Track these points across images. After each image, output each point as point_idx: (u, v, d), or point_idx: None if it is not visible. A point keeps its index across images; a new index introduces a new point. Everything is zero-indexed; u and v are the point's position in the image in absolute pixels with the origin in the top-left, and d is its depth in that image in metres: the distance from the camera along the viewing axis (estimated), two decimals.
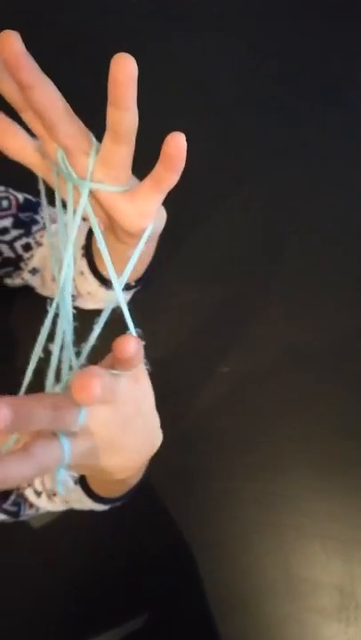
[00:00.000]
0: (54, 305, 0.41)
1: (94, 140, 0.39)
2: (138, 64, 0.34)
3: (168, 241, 0.56)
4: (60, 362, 0.41)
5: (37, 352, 0.39)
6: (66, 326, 0.41)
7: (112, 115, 0.36)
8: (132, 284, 0.61)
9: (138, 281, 0.61)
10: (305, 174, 0.92)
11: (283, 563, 0.74)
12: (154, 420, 0.46)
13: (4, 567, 0.73)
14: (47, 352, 0.41)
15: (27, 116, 0.39)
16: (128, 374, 0.40)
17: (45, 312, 0.43)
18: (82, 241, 0.59)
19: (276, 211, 0.89)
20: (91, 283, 0.60)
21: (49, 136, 0.39)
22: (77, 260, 0.63)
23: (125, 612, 0.73)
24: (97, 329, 0.40)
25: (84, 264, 0.60)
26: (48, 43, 0.95)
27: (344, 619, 0.72)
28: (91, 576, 0.74)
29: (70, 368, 0.41)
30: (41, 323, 0.41)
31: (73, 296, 0.67)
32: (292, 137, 0.94)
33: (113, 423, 0.39)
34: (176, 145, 0.36)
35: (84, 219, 0.43)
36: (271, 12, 1.02)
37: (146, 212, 0.42)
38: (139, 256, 0.54)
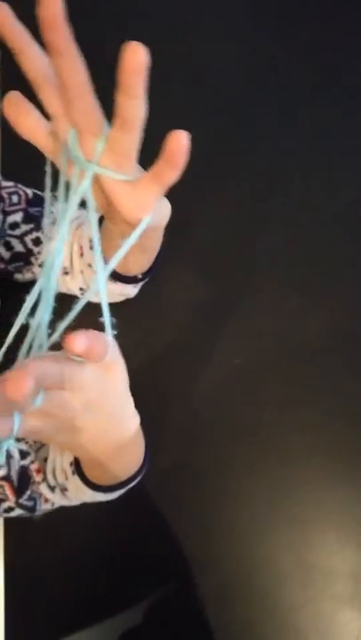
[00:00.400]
0: (39, 283, 0.42)
1: (107, 125, 0.40)
2: None
3: (169, 239, 0.57)
4: (32, 339, 0.42)
5: (16, 327, 0.40)
6: (45, 306, 0.42)
7: (121, 102, 0.36)
8: (139, 276, 0.61)
9: (146, 273, 0.61)
10: (305, 173, 0.93)
11: (295, 552, 0.74)
12: (124, 405, 0.47)
13: (5, 565, 0.74)
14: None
15: (44, 93, 0.39)
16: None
17: (56, 307, 0.43)
18: (90, 233, 0.59)
19: (277, 210, 0.90)
20: None
21: (65, 110, 0.39)
22: (86, 252, 0.63)
23: (124, 608, 0.73)
24: (73, 312, 0.41)
25: (92, 256, 0.60)
26: None
27: (358, 605, 0.72)
28: (90, 573, 0.74)
29: (40, 347, 0.42)
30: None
31: (82, 289, 0.67)
32: (292, 137, 0.94)
33: (71, 406, 0.40)
34: (178, 142, 0.36)
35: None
36: (271, 12, 1.03)
37: (144, 204, 0.42)
38: (143, 247, 0.55)
